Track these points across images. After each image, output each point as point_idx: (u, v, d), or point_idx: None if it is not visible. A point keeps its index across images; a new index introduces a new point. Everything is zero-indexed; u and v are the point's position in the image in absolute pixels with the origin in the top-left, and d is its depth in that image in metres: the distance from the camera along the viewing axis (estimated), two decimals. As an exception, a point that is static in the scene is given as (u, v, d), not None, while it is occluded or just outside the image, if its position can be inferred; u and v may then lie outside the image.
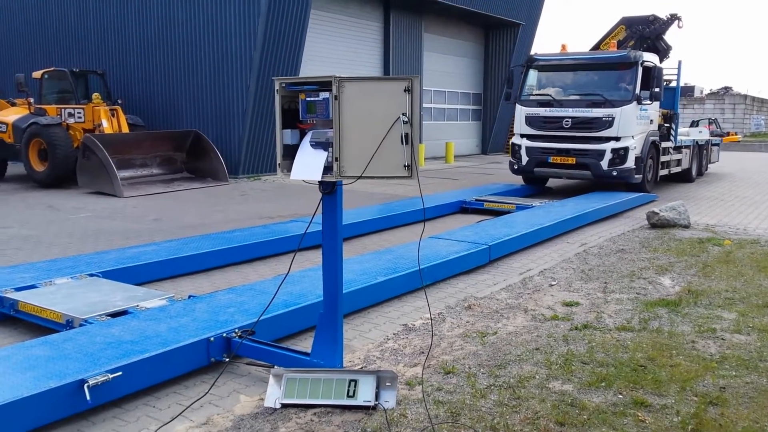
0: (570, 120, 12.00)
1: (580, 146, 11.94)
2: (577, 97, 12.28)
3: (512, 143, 12.96)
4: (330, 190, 3.67)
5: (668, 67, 14.15)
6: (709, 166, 17.87)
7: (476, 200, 10.86)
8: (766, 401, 3.59)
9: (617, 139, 11.71)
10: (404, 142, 3.39)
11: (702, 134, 16.81)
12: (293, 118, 3.74)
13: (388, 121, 3.39)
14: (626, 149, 11.68)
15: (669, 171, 14.07)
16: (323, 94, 3.56)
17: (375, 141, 3.41)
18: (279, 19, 15.02)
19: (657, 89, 11.93)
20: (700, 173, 16.69)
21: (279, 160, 3.74)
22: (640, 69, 11.81)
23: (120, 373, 3.48)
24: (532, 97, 12.69)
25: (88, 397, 3.30)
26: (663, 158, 13.33)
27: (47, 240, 8.15)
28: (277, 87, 3.69)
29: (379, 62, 20.45)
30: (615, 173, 11.75)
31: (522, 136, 12.65)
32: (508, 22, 24.89)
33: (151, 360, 3.71)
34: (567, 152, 12.08)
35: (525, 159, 12.53)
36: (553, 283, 6.21)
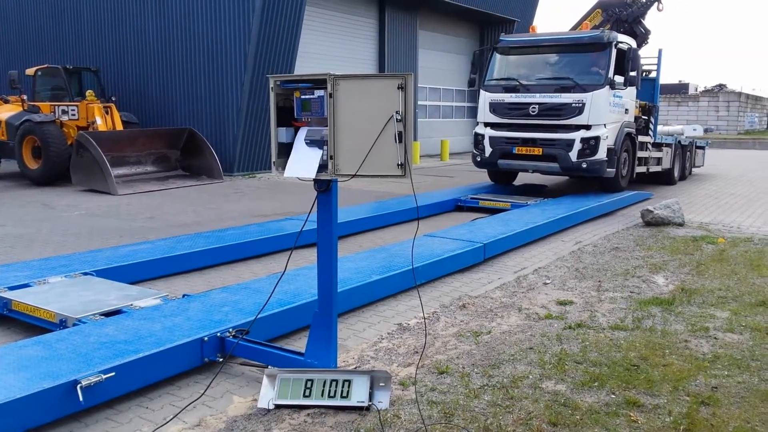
0: (537, 106, 10.97)
1: (547, 135, 10.93)
2: (544, 82, 11.23)
3: (475, 133, 12.00)
4: (325, 189, 3.66)
5: (648, 56, 13.42)
6: (693, 169, 16.82)
7: (471, 198, 10.87)
8: (757, 401, 3.61)
9: (587, 127, 10.70)
10: (398, 141, 3.38)
11: (696, 132, 16.71)
12: (288, 116, 3.73)
13: (383, 119, 3.38)
14: (597, 139, 10.65)
15: (647, 169, 13.10)
16: (318, 92, 3.55)
17: (369, 139, 3.41)
18: (273, 15, 14.98)
19: (633, 73, 10.96)
20: (683, 176, 15.68)
21: (274, 158, 3.74)
22: (614, 51, 10.83)
23: (113, 373, 3.47)
24: (496, 82, 11.67)
25: (81, 398, 3.28)
26: (640, 154, 12.41)
27: (41, 238, 8.11)
28: (271, 85, 3.68)
29: (374, 59, 20.42)
30: (584, 165, 10.71)
31: (486, 125, 11.69)
32: (503, 19, 24.89)
33: (145, 360, 3.69)
34: (533, 142, 11.05)
35: (488, 150, 11.53)
36: (548, 281, 6.22)
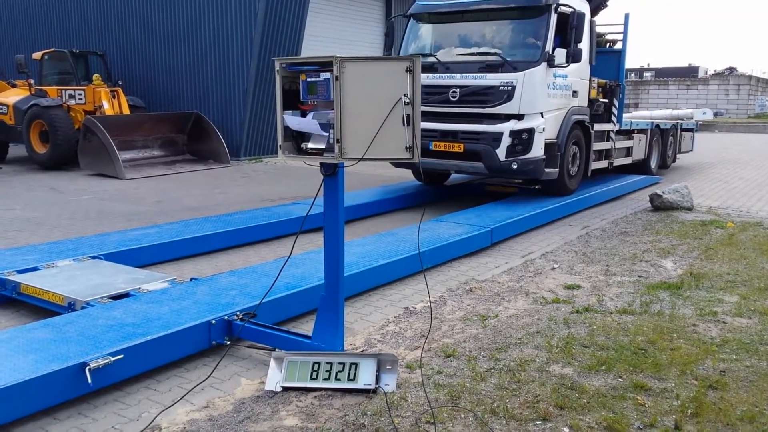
0: (458, 90, 8.62)
1: (470, 127, 8.59)
2: (467, 58, 8.85)
3: None
4: (331, 172, 3.65)
5: (611, 24, 11.43)
6: (677, 156, 14.56)
7: (478, 182, 10.82)
8: (765, 385, 3.59)
9: (519, 117, 8.37)
10: (406, 124, 3.36)
11: (705, 115, 16.21)
12: (294, 99, 3.71)
13: (390, 102, 3.35)
14: (530, 131, 8.31)
15: (610, 164, 10.79)
16: (324, 75, 3.53)
17: (376, 122, 3.38)
18: (280, -2, 14.87)
19: (581, 45, 8.66)
20: (664, 165, 13.53)
21: (280, 141, 3.73)
22: (554, 17, 8.40)
23: (121, 356, 3.49)
24: None
25: (89, 380, 3.30)
26: (597, 146, 10.06)
27: (49, 222, 8.15)
28: (277, 67, 3.66)
29: (380, 42, 20.25)
30: (515, 166, 8.36)
31: None
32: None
33: (153, 343, 3.71)
34: (453, 135, 8.70)
35: None
36: (555, 266, 6.20)
